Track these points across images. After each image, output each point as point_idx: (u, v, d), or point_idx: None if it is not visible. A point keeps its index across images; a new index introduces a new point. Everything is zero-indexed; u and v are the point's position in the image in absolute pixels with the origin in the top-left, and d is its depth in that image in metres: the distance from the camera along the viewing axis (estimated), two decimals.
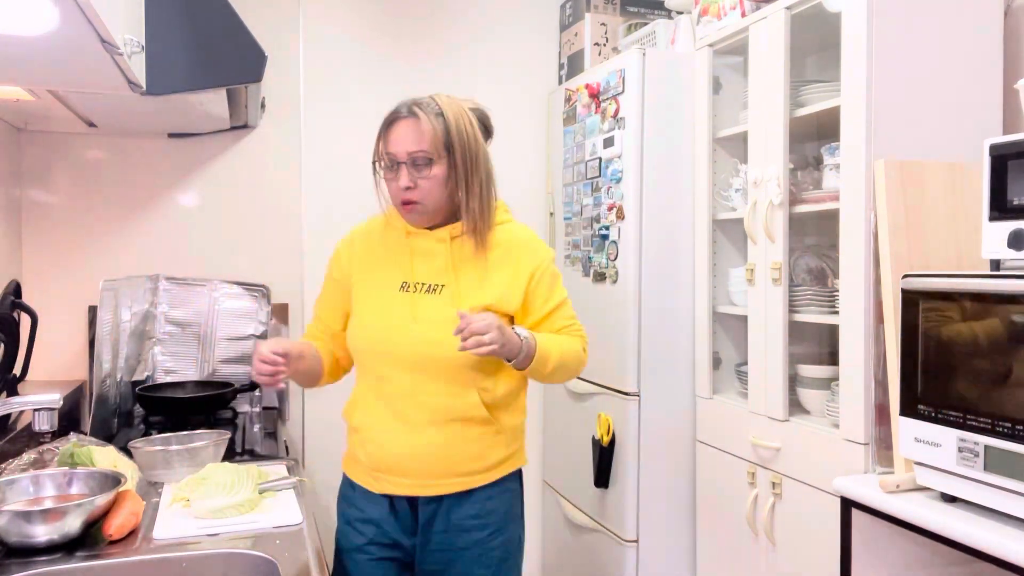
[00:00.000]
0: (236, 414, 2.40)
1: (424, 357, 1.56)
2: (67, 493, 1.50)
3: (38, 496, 1.49)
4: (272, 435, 2.26)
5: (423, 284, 1.61)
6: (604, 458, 2.48)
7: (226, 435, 1.88)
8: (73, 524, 1.34)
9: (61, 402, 1.45)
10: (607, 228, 2.51)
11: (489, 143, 1.66)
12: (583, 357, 1.71)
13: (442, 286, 1.60)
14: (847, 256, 1.84)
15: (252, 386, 2.41)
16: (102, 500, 1.38)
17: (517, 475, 1.71)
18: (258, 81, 1.93)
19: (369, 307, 1.64)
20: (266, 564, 1.32)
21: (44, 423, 1.44)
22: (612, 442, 2.46)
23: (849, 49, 1.83)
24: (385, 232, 1.70)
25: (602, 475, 2.49)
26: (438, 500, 1.60)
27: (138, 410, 2.35)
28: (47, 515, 1.33)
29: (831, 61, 2.02)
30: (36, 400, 1.44)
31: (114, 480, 1.48)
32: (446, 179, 1.56)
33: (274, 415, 2.53)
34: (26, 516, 1.32)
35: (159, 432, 2.15)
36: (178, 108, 2.10)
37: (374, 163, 1.61)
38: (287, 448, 2.16)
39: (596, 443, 2.53)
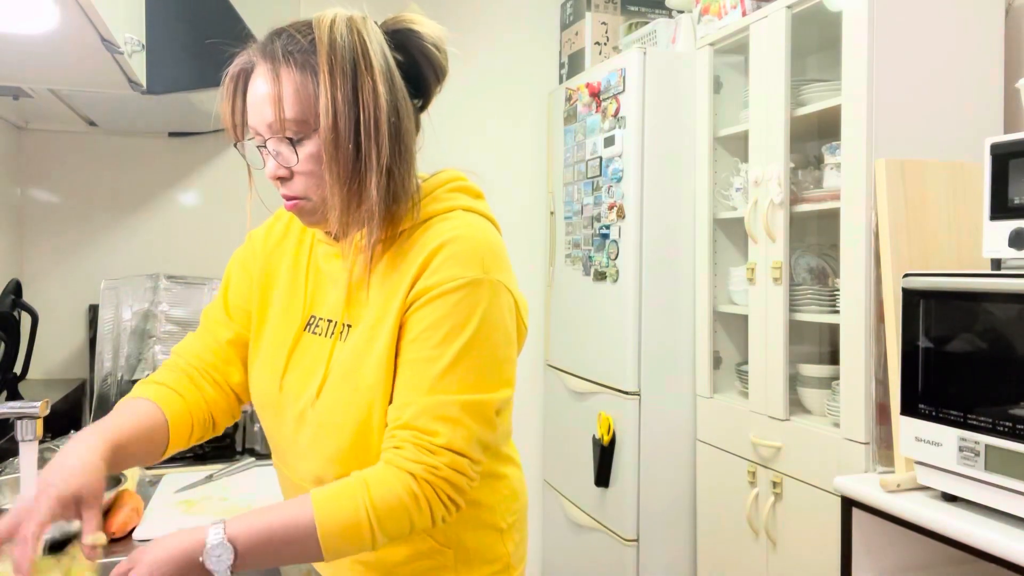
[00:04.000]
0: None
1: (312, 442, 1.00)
2: None
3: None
4: None
5: (326, 322, 1.04)
6: (604, 457, 2.48)
7: None
8: (73, 523, 1.34)
9: (47, 409, 1.30)
10: (608, 227, 2.51)
11: (436, 91, 1.03)
12: (409, 516, 0.90)
13: (348, 326, 1.01)
14: (848, 255, 1.84)
15: None
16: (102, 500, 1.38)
17: None
18: None
19: (260, 354, 1.09)
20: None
21: (28, 433, 1.29)
22: (612, 441, 2.46)
23: (850, 48, 1.83)
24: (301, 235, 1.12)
25: (602, 474, 2.49)
26: None
27: None
28: None
29: (832, 60, 2.02)
30: (17, 408, 1.28)
31: (114, 479, 1.48)
32: (332, 159, 0.92)
33: None
34: None
35: None
36: (178, 107, 2.10)
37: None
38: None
39: (596, 442, 2.53)
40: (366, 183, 0.92)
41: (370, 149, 0.92)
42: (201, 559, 0.85)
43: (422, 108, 1.04)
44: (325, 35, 0.93)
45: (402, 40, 0.97)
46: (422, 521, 0.90)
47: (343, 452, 0.96)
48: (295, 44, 0.96)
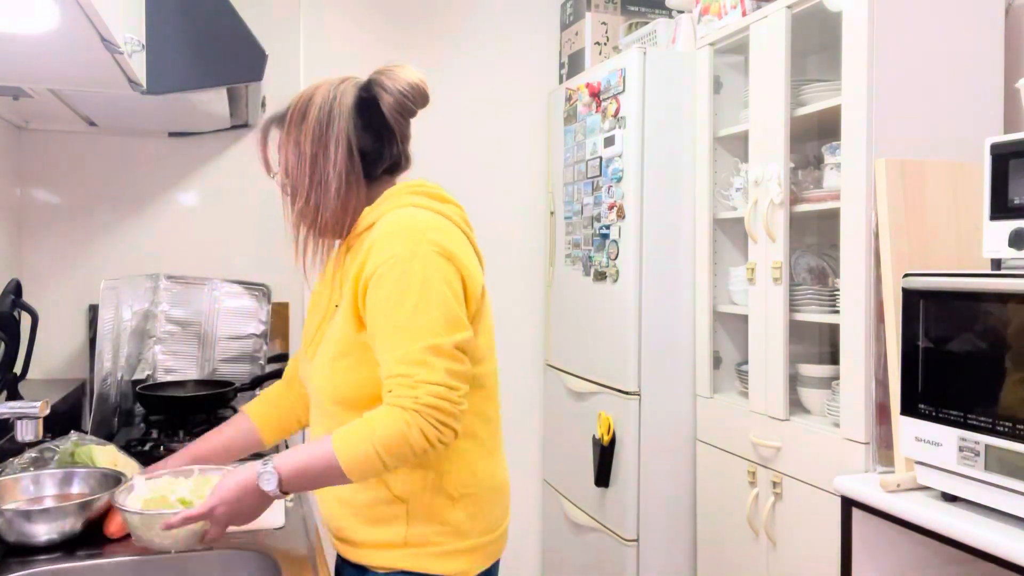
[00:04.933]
0: (236, 413, 2.40)
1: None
2: (68, 492, 1.50)
3: (39, 495, 1.49)
4: None
5: (333, 306, 1.32)
6: (604, 457, 2.48)
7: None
8: (74, 524, 1.34)
9: (47, 409, 1.35)
10: (608, 227, 2.51)
11: (387, 104, 1.27)
12: (407, 442, 1.11)
13: (336, 307, 1.29)
14: (848, 255, 1.84)
15: (253, 384, 2.41)
16: (103, 499, 1.38)
17: None
18: (259, 80, 1.93)
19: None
20: (266, 563, 1.32)
21: (28, 432, 1.34)
22: (612, 441, 2.46)
23: (850, 48, 1.83)
24: None
25: (602, 474, 2.49)
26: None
27: (138, 409, 2.35)
28: (47, 514, 1.33)
29: (832, 60, 2.02)
30: (17, 408, 1.33)
31: (115, 479, 1.48)
32: (290, 196, 1.36)
33: None
34: (26, 515, 1.32)
35: (159, 431, 2.15)
36: (178, 107, 2.10)
37: None
38: (287, 447, 2.16)
39: (596, 442, 2.53)
40: (304, 214, 1.30)
41: (310, 194, 1.28)
42: (256, 482, 1.14)
43: (391, 156, 1.32)
44: (297, 110, 1.29)
45: (367, 109, 1.28)
46: (419, 443, 1.12)
47: (322, 389, 1.28)
48: (282, 113, 1.31)
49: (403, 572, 1.23)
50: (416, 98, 1.29)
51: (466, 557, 1.26)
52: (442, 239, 1.20)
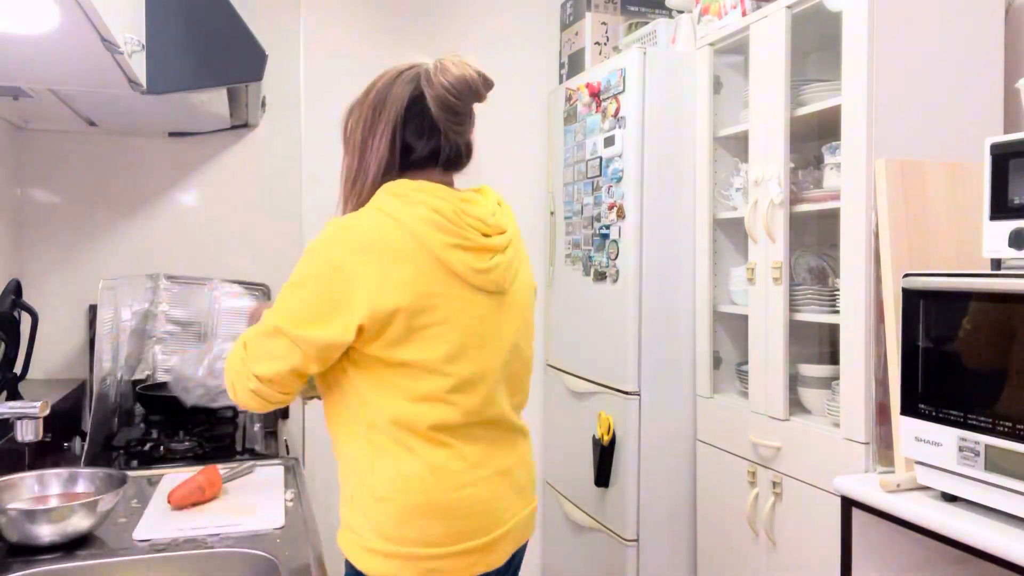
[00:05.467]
0: (236, 413, 2.40)
1: None
2: (72, 492, 1.50)
3: (43, 494, 1.48)
4: (272, 434, 2.26)
5: None
6: (604, 457, 2.48)
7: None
8: (78, 523, 1.34)
9: (47, 409, 1.35)
10: (608, 227, 2.51)
11: (432, 101, 1.30)
12: (237, 369, 1.27)
13: None
14: (848, 255, 1.84)
15: None
16: (107, 499, 1.38)
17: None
18: (259, 80, 1.93)
19: None
20: (266, 563, 1.32)
21: (28, 433, 1.35)
22: (612, 441, 2.46)
23: (850, 48, 1.83)
24: None
25: (602, 474, 2.49)
26: None
27: (138, 409, 2.35)
28: (51, 514, 1.32)
29: (832, 60, 2.02)
30: (17, 408, 1.33)
31: (119, 480, 1.48)
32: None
33: (275, 414, 2.52)
34: (29, 515, 1.31)
35: (159, 431, 2.15)
36: (178, 107, 2.10)
37: None
38: (287, 447, 2.16)
39: (596, 442, 2.53)
40: (348, 195, 1.35)
41: (356, 176, 1.34)
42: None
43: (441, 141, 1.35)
44: (362, 94, 1.36)
45: (415, 102, 1.30)
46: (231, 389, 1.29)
47: None
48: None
49: (347, 558, 1.29)
50: (462, 93, 1.29)
51: (391, 562, 1.23)
52: (343, 254, 1.22)
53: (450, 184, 1.37)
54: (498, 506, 1.30)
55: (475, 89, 1.31)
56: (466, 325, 1.26)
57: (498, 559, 1.30)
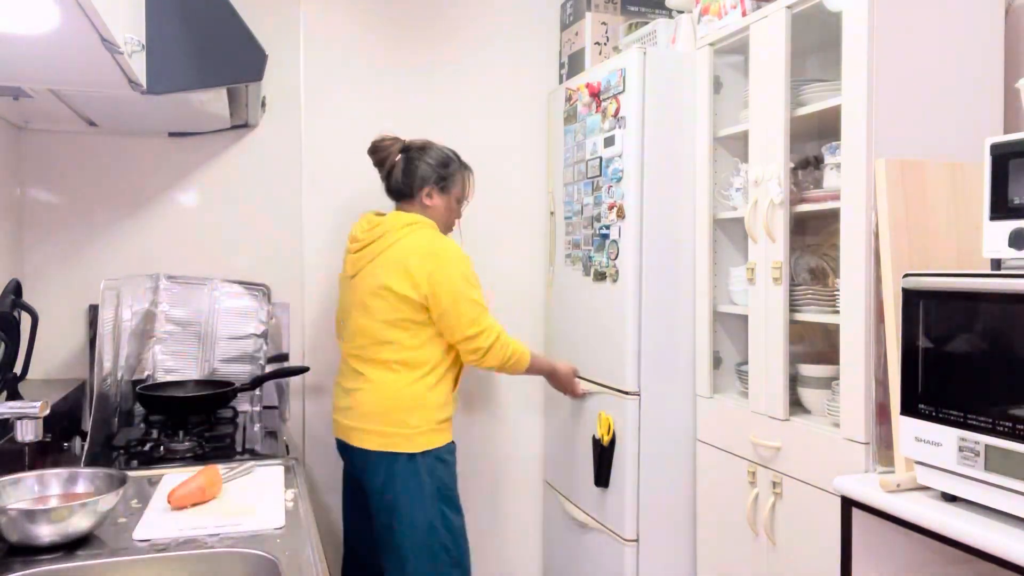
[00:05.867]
0: (236, 413, 2.40)
1: None
2: (73, 492, 1.50)
3: (43, 494, 1.48)
4: (272, 434, 2.26)
5: None
6: (604, 457, 2.48)
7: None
8: (78, 523, 1.34)
9: (47, 409, 1.36)
10: (607, 227, 2.51)
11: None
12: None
13: None
14: (848, 255, 1.84)
15: (253, 385, 2.41)
16: (107, 499, 1.38)
17: None
18: (259, 80, 1.93)
19: None
20: (266, 563, 1.32)
21: (28, 433, 1.35)
22: (612, 441, 2.46)
23: (850, 48, 1.83)
24: None
25: (602, 474, 2.49)
26: None
27: (138, 409, 2.35)
28: (50, 514, 1.32)
29: (832, 60, 2.02)
30: (17, 408, 1.33)
31: (119, 480, 1.48)
32: None
33: (275, 414, 2.53)
34: (29, 515, 1.31)
35: (159, 431, 2.15)
36: (179, 107, 2.10)
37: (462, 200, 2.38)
38: (287, 447, 2.16)
39: (596, 442, 2.53)
40: None
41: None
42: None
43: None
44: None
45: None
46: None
47: None
48: None
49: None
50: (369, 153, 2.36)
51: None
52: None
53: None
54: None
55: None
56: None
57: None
